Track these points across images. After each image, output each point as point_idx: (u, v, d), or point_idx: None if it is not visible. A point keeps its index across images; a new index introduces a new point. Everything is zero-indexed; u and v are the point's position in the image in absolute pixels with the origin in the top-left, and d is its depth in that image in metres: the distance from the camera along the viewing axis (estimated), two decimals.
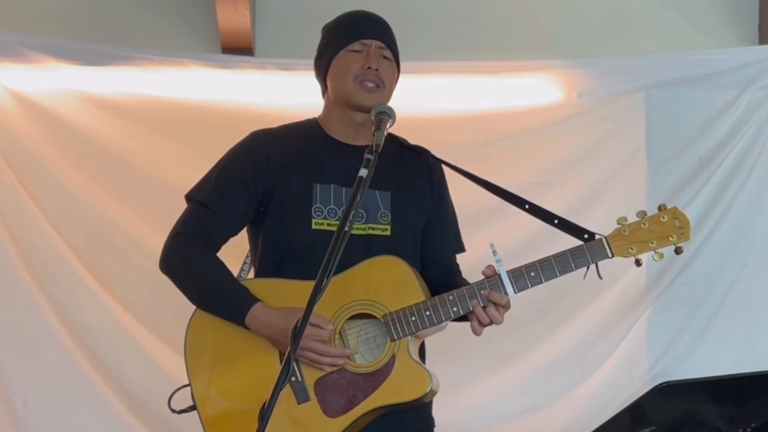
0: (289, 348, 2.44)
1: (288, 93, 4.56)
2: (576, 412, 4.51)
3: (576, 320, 4.56)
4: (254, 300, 2.96)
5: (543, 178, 4.61)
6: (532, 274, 2.95)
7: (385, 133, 2.94)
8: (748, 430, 3.29)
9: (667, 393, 3.34)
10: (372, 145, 2.83)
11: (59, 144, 4.53)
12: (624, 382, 4.50)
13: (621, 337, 4.57)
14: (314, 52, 4.65)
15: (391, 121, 2.98)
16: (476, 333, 2.96)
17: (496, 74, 4.62)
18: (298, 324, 2.51)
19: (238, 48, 4.68)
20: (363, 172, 2.75)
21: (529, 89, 4.65)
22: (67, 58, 4.51)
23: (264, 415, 2.43)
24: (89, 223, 4.52)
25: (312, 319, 2.79)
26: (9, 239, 4.48)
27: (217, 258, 3.08)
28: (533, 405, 4.55)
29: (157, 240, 4.42)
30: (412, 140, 3.27)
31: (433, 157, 3.21)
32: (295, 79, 4.56)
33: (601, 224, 4.51)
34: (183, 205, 4.42)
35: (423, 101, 4.53)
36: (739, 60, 4.62)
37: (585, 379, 4.56)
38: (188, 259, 3.06)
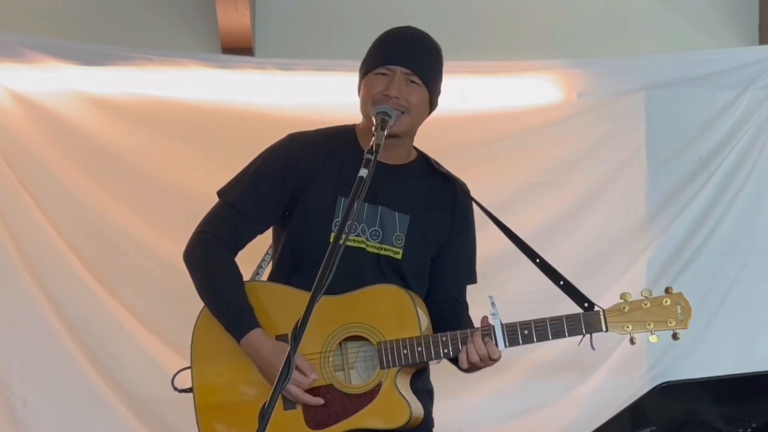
0: (289, 349, 2.45)
1: (288, 93, 4.56)
2: (576, 412, 4.51)
3: None
4: (254, 324, 3.04)
5: (543, 178, 4.60)
6: (526, 332, 3.01)
7: (385, 133, 2.96)
8: (748, 430, 3.29)
9: (667, 393, 3.34)
10: (372, 145, 2.84)
11: (59, 144, 4.53)
12: (624, 382, 4.50)
13: (621, 336, 4.56)
14: (314, 52, 4.69)
15: (391, 120, 2.98)
16: (462, 365, 3.04)
17: (495, 74, 4.62)
18: (298, 325, 2.51)
19: (238, 48, 4.68)
20: (363, 172, 2.76)
21: (529, 89, 4.65)
22: (67, 58, 4.50)
23: (264, 415, 2.44)
24: (89, 222, 4.52)
25: (298, 362, 2.96)
26: (9, 239, 4.48)
27: (234, 266, 3.15)
28: (533, 405, 4.55)
29: (157, 239, 4.48)
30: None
31: (463, 193, 3.24)
32: (295, 79, 4.57)
33: (601, 224, 4.58)
34: (182, 204, 4.45)
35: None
36: (739, 60, 4.61)
37: (585, 379, 4.55)
38: (207, 262, 3.14)
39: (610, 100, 4.64)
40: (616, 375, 4.54)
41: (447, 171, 3.25)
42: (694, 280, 4.53)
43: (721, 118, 4.60)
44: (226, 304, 3.09)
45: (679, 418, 3.36)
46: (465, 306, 3.23)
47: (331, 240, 3.02)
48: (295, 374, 2.95)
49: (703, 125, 4.62)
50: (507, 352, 4.44)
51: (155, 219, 4.49)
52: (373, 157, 2.80)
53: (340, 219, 3.06)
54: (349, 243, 2.97)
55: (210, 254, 3.14)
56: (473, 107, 4.61)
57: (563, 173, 4.62)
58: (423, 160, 3.23)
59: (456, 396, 4.41)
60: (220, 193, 3.20)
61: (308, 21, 4.81)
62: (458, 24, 4.80)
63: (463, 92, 4.61)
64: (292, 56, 4.62)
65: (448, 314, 3.11)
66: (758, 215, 4.61)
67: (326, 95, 4.43)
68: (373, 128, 2.96)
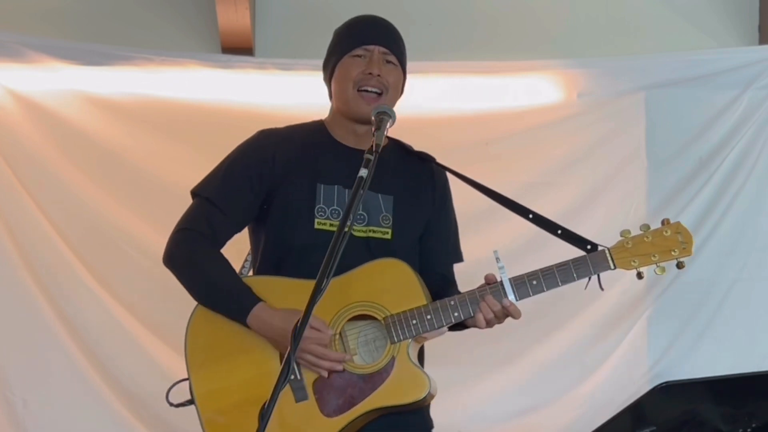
0: (289, 348, 2.45)
1: (288, 93, 4.56)
2: (576, 412, 4.51)
3: (576, 320, 4.56)
4: (257, 300, 2.98)
5: (543, 178, 4.61)
6: (534, 282, 2.98)
7: (385, 133, 2.95)
8: (748, 430, 3.29)
9: (667, 393, 3.34)
10: (372, 145, 2.84)
11: (59, 144, 4.53)
12: (624, 382, 4.50)
13: (621, 337, 4.57)
14: (314, 52, 4.64)
15: (391, 120, 2.98)
16: (480, 326, 2.99)
17: (496, 74, 4.62)
18: (298, 324, 2.51)
19: (238, 48, 4.69)
20: (363, 172, 2.75)
21: (529, 89, 4.65)
22: (67, 58, 4.51)
23: (264, 414, 2.43)
24: (89, 222, 4.52)
25: (313, 322, 2.87)
26: (9, 239, 4.48)
27: (221, 255, 3.09)
28: (533, 405, 4.55)
29: (156, 239, 4.44)
30: (412, 140, 3.27)
31: (438, 164, 3.22)
32: (295, 79, 4.57)
33: (601, 224, 4.58)
34: (182, 204, 4.43)
35: (423, 101, 4.52)
36: (739, 60, 4.62)
37: (585, 379, 4.56)
38: (192, 255, 3.08)
39: (610, 100, 4.64)
40: (616, 375, 4.55)
41: (421, 152, 3.23)
42: (694, 280, 4.54)
43: (721, 118, 4.61)
44: (222, 290, 3.02)
45: (679, 418, 3.36)
46: (455, 284, 3.21)
47: (316, 226, 3.02)
48: (313, 332, 2.90)
49: (703, 125, 4.63)
50: (506, 352, 4.51)
51: (154, 218, 4.49)
52: (373, 157, 2.79)
53: (321, 204, 3.04)
54: (333, 229, 2.94)
55: (193, 248, 3.08)
56: (473, 107, 4.62)
57: (563, 173, 4.62)
58: (395, 143, 3.22)
59: (456, 396, 4.42)
60: (194, 191, 3.16)
61: (308, 21, 4.81)
62: (458, 24, 4.81)
63: (464, 92, 4.62)
64: (292, 56, 4.62)
65: (438, 289, 3.08)
66: (758, 215, 4.61)
67: (326, 95, 4.42)
68: (373, 128, 2.95)
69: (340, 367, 2.94)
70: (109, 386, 4.48)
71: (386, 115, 2.97)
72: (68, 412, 4.47)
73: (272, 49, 4.76)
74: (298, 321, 2.51)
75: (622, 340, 4.57)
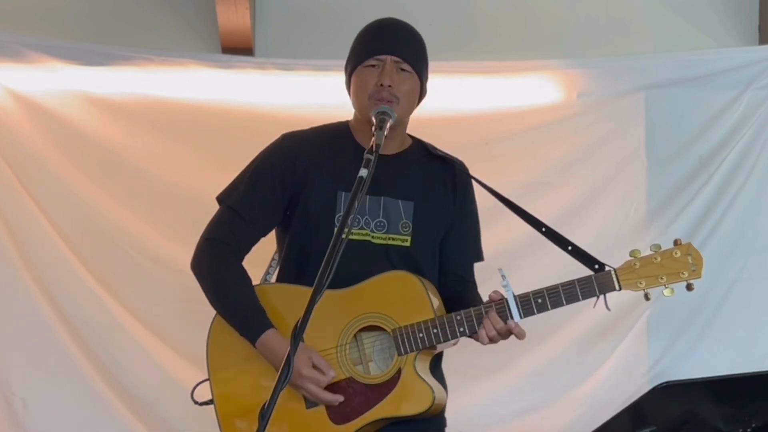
0: (289, 349, 2.46)
1: (288, 93, 4.56)
2: (576, 412, 4.51)
3: (576, 320, 4.55)
4: (267, 325, 3.04)
5: (543, 178, 4.60)
6: (539, 301, 3.00)
7: (386, 132, 2.96)
8: (748, 430, 3.29)
9: (667, 393, 3.33)
10: (372, 145, 2.85)
11: (59, 144, 4.53)
12: (624, 382, 4.50)
13: (621, 337, 4.57)
14: (314, 52, 4.70)
15: (391, 120, 2.98)
16: (482, 342, 3.03)
17: (496, 74, 4.62)
18: (298, 325, 2.52)
19: (238, 48, 4.68)
20: (363, 172, 2.76)
21: (529, 89, 4.65)
22: (67, 58, 4.51)
23: (264, 414, 2.44)
24: (89, 223, 4.52)
25: (315, 360, 2.98)
26: (9, 239, 4.48)
27: (242, 270, 3.16)
28: (533, 405, 4.55)
29: (156, 239, 4.48)
30: None
31: (462, 171, 3.24)
32: (295, 79, 4.57)
33: (601, 224, 4.58)
34: (182, 204, 4.45)
35: (423, 101, 4.51)
36: (739, 60, 4.61)
37: (585, 379, 4.55)
38: (215, 269, 3.15)
39: (610, 100, 4.64)
40: (616, 375, 4.55)
41: (444, 153, 3.26)
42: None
43: (721, 118, 4.61)
44: (238, 308, 3.09)
45: (679, 418, 3.36)
46: (474, 284, 3.24)
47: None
48: (313, 373, 2.98)
49: (703, 125, 4.62)
50: (505, 353, 4.49)
51: (155, 219, 4.50)
52: (372, 157, 2.80)
53: (342, 213, 3.06)
54: (352, 237, 2.97)
55: (216, 260, 3.14)
56: (473, 107, 4.61)
57: (563, 173, 4.62)
58: (418, 145, 3.25)
59: (455, 396, 4.39)
60: (219, 199, 3.21)
61: (308, 21, 4.81)
62: (458, 24, 4.80)
63: (464, 92, 4.62)
64: (292, 56, 4.63)
65: (457, 292, 3.13)
66: (758, 215, 4.61)
67: (326, 95, 4.43)
68: (373, 128, 2.96)
69: (335, 403, 3.00)
70: (109, 386, 4.47)
71: (386, 115, 2.98)
72: (68, 412, 4.47)
73: (272, 49, 4.76)
74: (298, 321, 2.52)
75: (622, 340, 4.57)
